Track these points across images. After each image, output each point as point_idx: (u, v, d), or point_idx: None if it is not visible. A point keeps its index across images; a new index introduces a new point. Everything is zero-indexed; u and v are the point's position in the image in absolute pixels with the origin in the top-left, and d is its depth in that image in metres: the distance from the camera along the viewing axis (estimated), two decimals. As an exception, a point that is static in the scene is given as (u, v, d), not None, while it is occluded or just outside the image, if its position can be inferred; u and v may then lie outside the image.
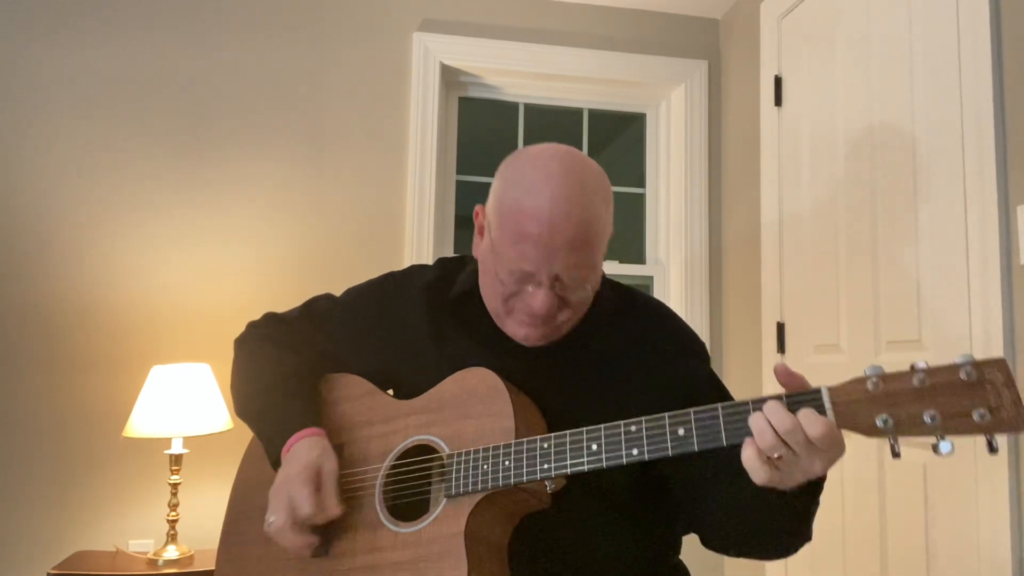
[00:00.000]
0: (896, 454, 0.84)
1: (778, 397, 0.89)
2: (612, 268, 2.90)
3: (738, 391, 1.15)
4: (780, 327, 2.45)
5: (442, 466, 1.11)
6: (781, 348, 2.44)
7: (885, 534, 1.96)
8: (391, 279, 1.35)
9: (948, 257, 1.78)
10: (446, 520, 1.07)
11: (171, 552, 2.21)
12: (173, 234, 2.53)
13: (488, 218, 1.12)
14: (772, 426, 0.86)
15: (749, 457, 0.88)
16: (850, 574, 2.08)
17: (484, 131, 2.97)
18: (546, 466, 1.02)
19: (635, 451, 0.96)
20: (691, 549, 1.30)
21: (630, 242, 3.06)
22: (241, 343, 1.40)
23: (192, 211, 2.55)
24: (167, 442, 2.25)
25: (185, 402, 2.21)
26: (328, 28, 2.72)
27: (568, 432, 1.02)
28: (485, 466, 1.05)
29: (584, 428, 1.01)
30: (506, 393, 1.09)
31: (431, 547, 1.06)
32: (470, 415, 1.12)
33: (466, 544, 1.04)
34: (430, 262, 1.38)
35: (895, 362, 0.86)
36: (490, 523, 1.08)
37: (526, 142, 2.94)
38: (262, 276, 2.57)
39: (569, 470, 1.00)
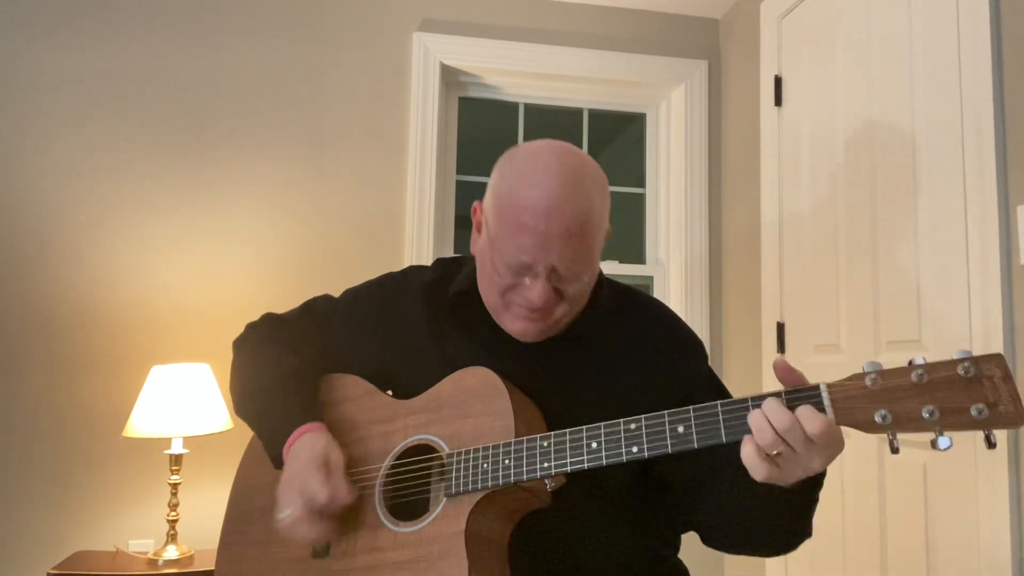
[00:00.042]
0: (895, 450, 0.84)
1: (777, 394, 0.89)
2: (612, 268, 2.90)
3: (738, 391, 1.14)
4: (780, 327, 2.45)
5: (442, 465, 1.11)
6: (781, 348, 2.44)
7: (885, 534, 1.96)
8: (390, 280, 1.35)
9: (948, 257, 1.78)
10: (446, 519, 1.07)
11: (171, 552, 2.21)
12: (173, 234, 2.53)
13: (486, 213, 1.13)
14: (771, 423, 0.86)
15: (748, 454, 0.88)
16: (850, 574, 2.08)
17: (484, 131, 2.97)
18: (546, 464, 1.02)
19: (635, 449, 0.97)
20: (691, 548, 1.30)
21: (630, 242, 3.06)
22: (240, 344, 1.40)
23: (192, 211, 2.55)
24: (167, 442, 2.25)
25: (185, 402, 2.21)
26: (328, 28, 2.72)
27: (568, 430, 1.02)
28: (485, 465, 1.06)
29: (584, 426, 1.01)
30: (505, 392, 1.09)
31: (431, 547, 1.06)
32: (469, 414, 1.12)
33: (466, 543, 1.04)
34: (430, 262, 1.38)
35: (895, 362, 0.86)
36: (490, 522, 1.08)
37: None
38: (262, 276, 2.57)
39: (569, 468, 1.00)
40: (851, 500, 2.08)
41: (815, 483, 0.96)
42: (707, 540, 1.16)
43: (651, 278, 2.99)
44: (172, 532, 2.24)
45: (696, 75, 2.97)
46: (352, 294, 1.38)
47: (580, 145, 2.98)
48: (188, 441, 2.27)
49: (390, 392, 1.25)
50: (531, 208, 1.03)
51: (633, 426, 0.97)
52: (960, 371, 0.80)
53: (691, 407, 0.94)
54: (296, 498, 1.10)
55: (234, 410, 1.33)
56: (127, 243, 2.50)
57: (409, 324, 1.27)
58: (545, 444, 1.02)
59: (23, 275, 2.43)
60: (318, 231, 2.63)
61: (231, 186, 2.59)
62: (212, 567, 1.33)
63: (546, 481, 1.05)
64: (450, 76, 2.84)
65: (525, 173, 1.07)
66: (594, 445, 0.99)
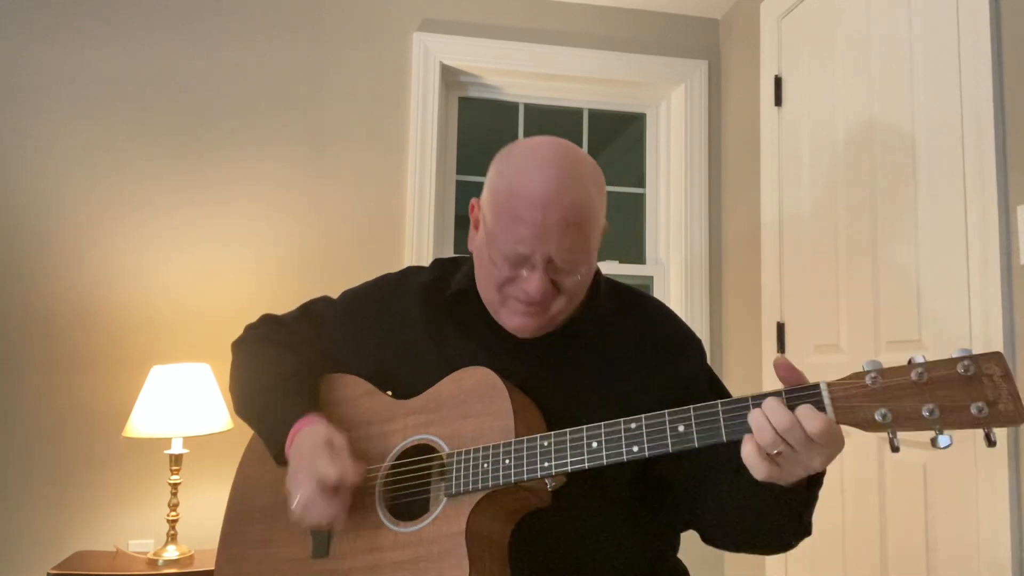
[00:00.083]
0: (895, 448, 0.85)
1: (777, 393, 0.89)
2: (612, 268, 2.91)
3: (738, 391, 1.14)
4: (780, 327, 2.45)
5: (442, 465, 1.11)
6: (781, 348, 2.44)
7: (885, 534, 1.96)
8: (388, 280, 1.36)
9: (948, 257, 1.78)
10: (446, 519, 1.07)
11: (171, 552, 2.21)
12: (173, 234, 2.53)
13: (483, 209, 1.14)
14: (771, 423, 0.86)
15: (749, 453, 0.88)
16: (850, 573, 2.08)
17: (484, 131, 2.97)
18: (546, 464, 1.02)
19: (635, 448, 0.97)
20: (690, 548, 1.30)
21: (630, 242, 3.06)
22: (239, 345, 1.40)
23: (192, 211, 2.55)
24: (167, 442, 2.25)
25: (185, 402, 2.21)
26: (328, 28, 2.72)
27: (568, 430, 1.02)
28: (485, 465, 1.05)
29: (584, 426, 1.01)
30: (505, 392, 1.09)
31: (432, 547, 1.06)
32: (469, 414, 1.12)
33: (467, 543, 1.03)
34: (430, 263, 1.38)
35: (895, 362, 0.86)
36: (491, 522, 1.08)
37: (526, 142, 2.93)
38: (262, 276, 2.57)
39: (570, 468, 1.00)
40: (851, 500, 2.08)
41: (815, 482, 0.96)
42: (707, 539, 1.17)
43: (651, 278, 2.99)
44: (172, 532, 2.24)
45: (696, 75, 2.97)
46: (350, 295, 1.38)
47: (580, 145, 2.98)
48: (188, 441, 2.27)
49: (389, 393, 1.25)
50: (528, 199, 1.04)
51: (633, 425, 0.97)
52: (960, 369, 0.81)
53: (691, 406, 0.94)
54: (306, 480, 1.09)
55: (234, 410, 1.33)
56: (127, 243, 2.51)
57: (408, 324, 1.27)
58: (545, 444, 1.02)
59: (23, 275, 2.43)
60: (318, 231, 2.63)
61: (231, 186, 2.59)
62: (212, 567, 1.33)
63: (546, 481, 1.05)
64: (450, 76, 2.84)
65: (522, 166, 1.08)
66: (594, 445, 0.99)
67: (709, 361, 1.27)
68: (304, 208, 2.63)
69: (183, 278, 2.52)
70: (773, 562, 2.43)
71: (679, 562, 1.26)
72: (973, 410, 0.79)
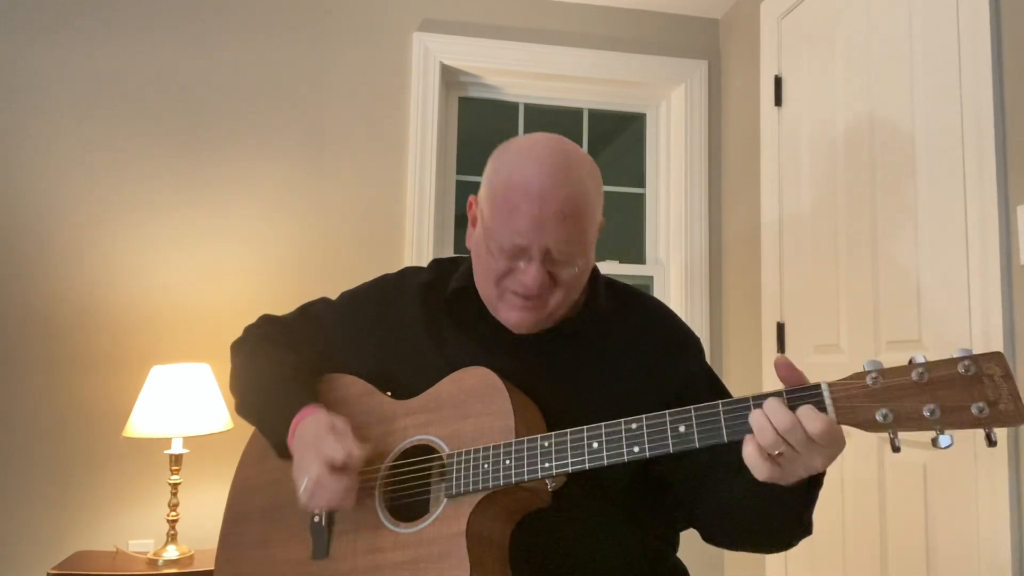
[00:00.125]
0: (896, 448, 0.85)
1: (778, 394, 0.89)
2: (612, 268, 2.91)
3: (738, 391, 1.15)
4: (780, 327, 2.45)
5: (442, 466, 1.11)
6: (781, 348, 2.44)
7: (885, 533, 1.96)
8: (386, 281, 1.36)
9: (948, 257, 1.78)
10: (447, 520, 1.07)
11: (171, 552, 2.21)
12: (173, 234, 2.53)
13: (481, 204, 1.15)
14: (772, 423, 0.86)
15: (750, 454, 0.88)
16: (850, 573, 2.08)
17: (484, 131, 2.97)
18: (547, 464, 1.02)
19: (636, 448, 0.97)
20: (690, 547, 1.30)
21: (630, 242, 3.06)
22: (239, 345, 1.40)
23: (192, 211, 2.55)
24: (167, 442, 2.25)
25: (185, 402, 2.21)
26: (328, 28, 2.72)
27: (569, 430, 1.02)
28: (486, 465, 1.05)
29: (585, 426, 1.01)
30: (505, 392, 1.09)
31: (432, 547, 1.06)
32: (469, 414, 1.12)
33: (467, 544, 1.04)
34: (429, 263, 1.38)
35: (895, 362, 0.86)
36: (491, 522, 1.08)
37: (526, 142, 2.93)
38: (262, 276, 2.57)
39: (571, 468, 1.00)
40: (851, 499, 2.08)
41: (816, 482, 0.96)
42: (707, 537, 1.17)
43: (651, 278, 2.99)
44: (172, 532, 2.24)
45: (696, 75, 2.97)
46: (349, 296, 1.38)
47: (580, 145, 2.98)
48: (188, 441, 2.27)
49: (389, 393, 1.25)
50: (525, 191, 1.05)
51: (634, 426, 0.97)
52: (960, 369, 0.81)
53: (692, 407, 0.94)
54: (313, 461, 1.09)
55: (236, 410, 1.33)
56: (127, 243, 2.50)
57: (407, 325, 1.27)
58: (546, 444, 1.02)
59: (23, 275, 2.43)
60: (318, 231, 2.63)
61: (231, 186, 2.59)
62: (212, 567, 1.33)
63: (547, 481, 1.05)
64: (450, 76, 2.84)
65: (519, 160, 1.09)
66: (595, 445, 0.99)
67: (709, 361, 1.27)
68: (304, 208, 2.63)
69: (183, 278, 2.52)
70: (773, 562, 2.43)
71: (679, 562, 1.26)
72: (974, 410, 0.79)
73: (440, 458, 1.12)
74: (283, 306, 1.46)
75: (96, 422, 2.41)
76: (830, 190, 2.25)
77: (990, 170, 1.67)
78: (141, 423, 2.19)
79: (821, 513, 1.02)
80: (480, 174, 1.17)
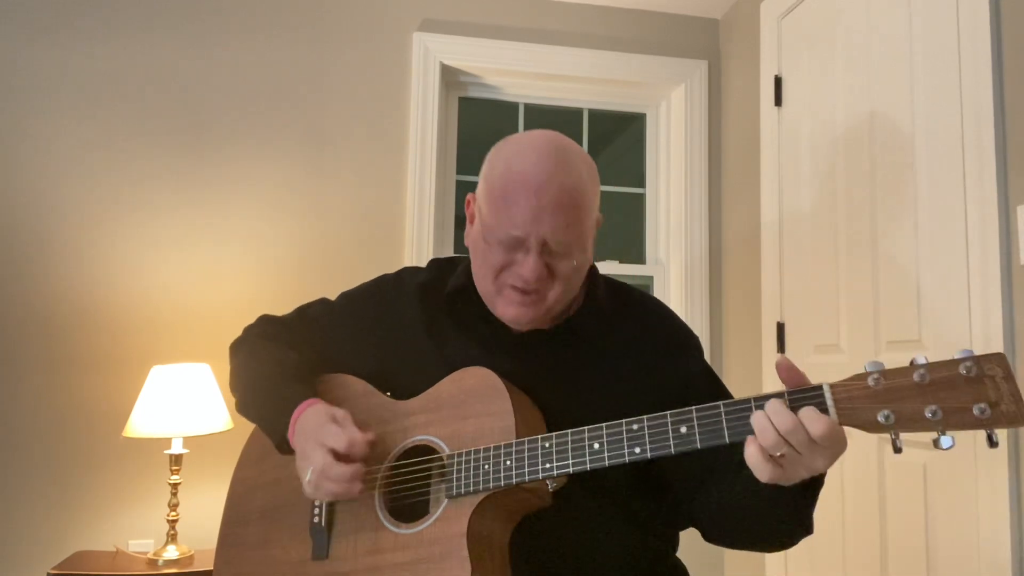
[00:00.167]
0: (898, 449, 0.85)
1: (780, 395, 0.89)
2: (612, 268, 2.91)
3: (738, 391, 1.15)
4: (780, 327, 2.45)
5: (442, 466, 1.11)
6: (781, 348, 2.44)
7: (885, 534, 1.96)
8: (385, 281, 1.36)
9: (948, 257, 1.78)
10: (447, 521, 1.07)
11: (171, 552, 2.21)
12: (173, 234, 2.53)
13: (478, 201, 1.15)
14: (774, 425, 0.86)
15: (752, 455, 0.88)
16: (850, 573, 2.08)
17: (484, 131, 2.97)
18: (548, 465, 1.02)
19: (637, 449, 0.97)
20: (690, 547, 1.30)
21: (630, 242, 3.06)
22: (238, 345, 1.40)
23: (192, 211, 2.55)
24: (167, 442, 2.25)
25: (185, 402, 2.21)
26: (328, 28, 2.72)
27: (570, 431, 1.02)
28: (486, 466, 1.05)
29: (586, 427, 1.01)
30: (505, 392, 1.09)
31: (433, 548, 1.06)
32: (469, 415, 1.12)
33: (468, 545, 1.03)
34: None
35: (895, 362, 0.86)
36: (492, 523, 1.08)
37: (526, 142, 2.93)
38: (262, 276, 2.57)
39: (572, 469, 1.00)
40: (851, 500, 2.08)
41: (817, 481, 0.96)
42: (708, 536, 1.17)
43: (651, 278, 2.99)
44: (172, 532, 2.24)
45: (696, 75, 2.97)
46: (347, 297, 1.38)
47: (580, 145, 2.98)
48: (188, 441, 2.27)
49: (388, 394, 1.25)
50: (522, 182, 1.06)
51: (636, 427, 0.97)
52: (962, 371, 0.81)
53: (694, 407, 0.94)
54: (316, 450, 1.09)
55: (236, 408, 1.33)
56: (127, 243, 2.50)
57: (406, 325, 1.27)
58: (547, 445, 1.02)
59: (23, 275, 2.43)
60: (318, 231, 2.63)
61: (231, 186, 2.59)
62: (212, 568, 1.33)
63: (547, 482, 1.04)
64: (450, 76, 2.84)
65: (515, 154, 1.10)
66: (596, 446, 0.99)
67: (709, 361, 1.27)
68: (304, 208, 2.63)
69: (183, 278, 2.52)
70: (773, 562, 2.43)
71: (679, 562, 1.26)
72: (975, 411, 0.79)
73: (440, 458, 1.11)
74: (283, 306, 1.46)
75: (96, 422, 2.41)
76: (830, 190, 2.25)
77: (990, 170, 1.67)
78: (141, 423, 2.19)
79: (821, 513, 1.02)
80: (480, 174, 1.18)
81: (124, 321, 2.47)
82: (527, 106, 3.00)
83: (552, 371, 1.18)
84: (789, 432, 0.85)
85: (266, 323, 1.41)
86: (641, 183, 3.08)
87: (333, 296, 1.41)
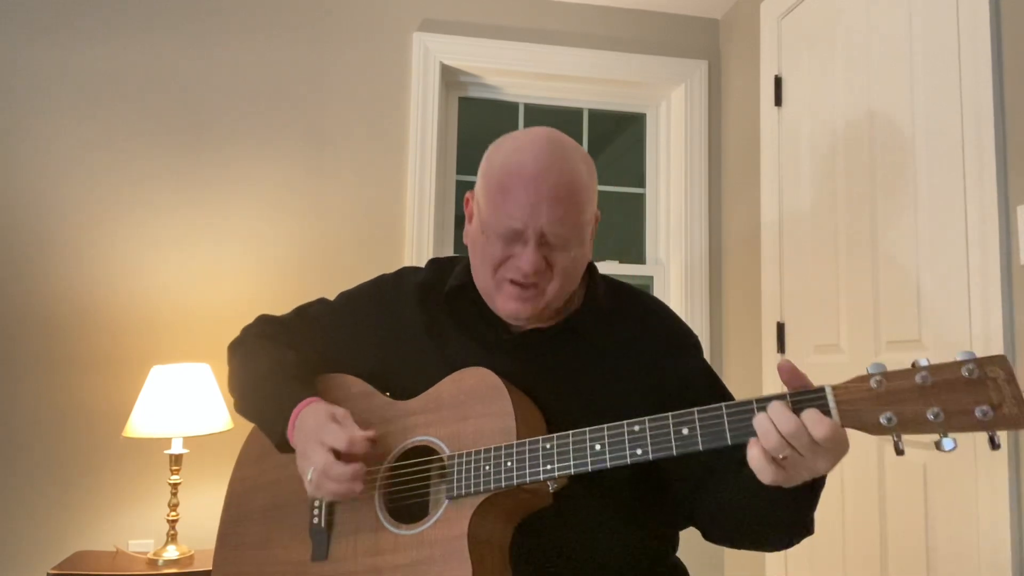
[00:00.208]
0: (900, 451, 0.85)
1: (782, 396, 0.89)
2: (612, 268, 2.91)
3: (738, 391, 1.15)
4: (780, 327, 2.45)
5: (443, 467, 1.11)
6: (781, 348, 2.44)
7: (885, 534, 1.96)
8: (384, 281, 1.36)
9: (948, 257, 1.78)
10: (448, 522, 1.07)
11: (171, 552, 2.21)
12: (173, 234, 2.53)
13: (477, 197, 1.16)
14: (776, 428, 0.86)
15: (755, 457, 0.88)
16: (850, 573, 2.08)
17: (484, 131, 2.97)
18: (549, 467, 1.01)
19: (639, 451, 0.96)
20: (690, 547, 1.30)
21: (630, 242, 3.06)
22: (237, 345, 1.40)
23: (192, 211, 2.55)
24: (167, 442, 2.25)
25: (185, 402, 2.21)
26: (328, 28, 2.72)
27: (571, 432, 1.02)
28: (487, 467, 1.05)
29: (587, 428, 1.01)
30: (506, 392, 1.09)
31: (433, 549, 1.06)
32: (469, 415, 1.11)
33: (469, 546, 1.03)
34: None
35: (895, 362, 0.86)
36: (492, 524, 1.08)
37: (526, 142, 2.93)
38: (262, 276, 2.57)
39: (573, 471, 1.00)
40: (851, 500, 2.08)
41: (818, 482, 0.96)
42: (708, 536, 1.17)
43: (651, 278, 2.99)
44: (172, 532, 2.24)
45: (696, 75, 2.97)
46: (347, 296, 1.38)
47: (580, 145, 2.98)
48: (188, 441, 2.27)
49: (388, 393, 1.25)
50: (519, 175, 1.07)
51: (637, 428, 0.97)
52: (964, 373, 0.81)
53: (696, 409, 0.94)
54: (317, 449, 1.09)
55: (235, 408, 1.33)
56: (127, 243, 2.50)
57: (406, 325, 1.27)
58: (548, 446, 1.02)
59: (23, 275, 2.43)
60: (318, 231, 2.63)
61: (231, 186, 2.59)
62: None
63: (548, 483, 1.04)
64: (450, 76, 2.84)
65: (513, 149, 1.11)
66: (597, 447, 0.99)
67: (709, 361, 1.27)
68: (304, 208, 2.63)
69: (183, 278, 2.52)
70: (773, 562, 2.43)
71: (679, 561, 1.27)
72: (977, 413, 0.79)
73: (440, 459, 1.11)
74: (283, 306, 1.46)
75: (96, 422, 2.41)
76: (830, 190, 2.25)
77: (990, 170, 1.67)
78: (141, 423, 2.19)
79: (821, 513, 1.02)
80: (478, 171, 1.18)
81: (124, 321, 2.47)
82: (527, 106, 3.00)
83: (552, 371, 1.17)
84: (792, 434, 0.85)
85: (265, 323, 1.41)
86: (641, 183, 3.08)
87: (333, 296, 1.41)
